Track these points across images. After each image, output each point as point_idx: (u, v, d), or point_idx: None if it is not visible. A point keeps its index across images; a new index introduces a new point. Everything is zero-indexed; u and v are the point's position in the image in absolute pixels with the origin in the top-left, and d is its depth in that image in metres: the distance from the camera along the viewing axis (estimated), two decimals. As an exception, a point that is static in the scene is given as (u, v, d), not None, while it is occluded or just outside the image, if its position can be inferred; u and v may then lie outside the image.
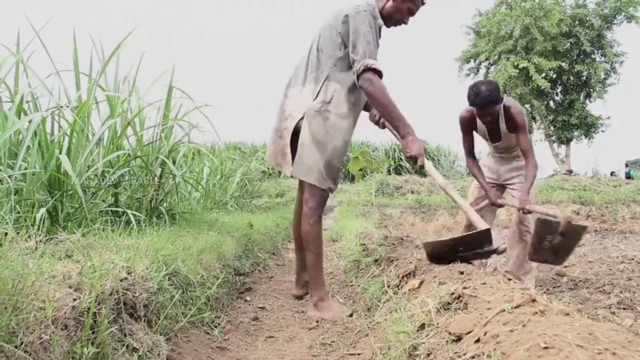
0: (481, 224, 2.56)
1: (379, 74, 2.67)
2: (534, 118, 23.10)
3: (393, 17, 2.93)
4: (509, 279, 1.96)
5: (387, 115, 2.74)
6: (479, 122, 3.70)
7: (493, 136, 3.77)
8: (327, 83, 2.81)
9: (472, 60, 23.54)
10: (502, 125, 3.64)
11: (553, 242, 3.19)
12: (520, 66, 20.55)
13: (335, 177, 2.90)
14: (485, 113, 3.46)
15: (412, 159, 2.73)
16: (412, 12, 2.95)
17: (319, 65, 2.85)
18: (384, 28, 2.96)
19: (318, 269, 2.93)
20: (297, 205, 3.27)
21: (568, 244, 3.25)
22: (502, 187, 4.02)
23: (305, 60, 2.93)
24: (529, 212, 3.51)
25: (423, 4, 2.97)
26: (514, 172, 3.89)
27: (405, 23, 2.98)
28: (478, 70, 23.90)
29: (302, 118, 2.82)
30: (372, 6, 2.82)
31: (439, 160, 19.23)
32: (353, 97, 2.86)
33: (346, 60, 2.79)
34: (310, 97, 2.82)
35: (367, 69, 2.64)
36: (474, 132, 3.87)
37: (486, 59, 22.78)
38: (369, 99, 2.73)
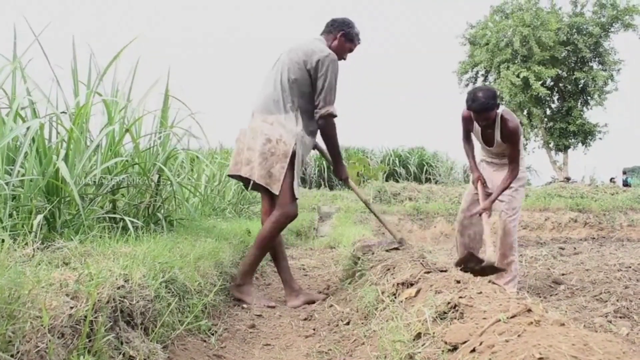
0: (397, 234, 3.64)
1: (334, 115, 3.31)
2: (532, 125, 23.15)
3: (336, 54, 3.37)
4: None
5: (333, 149, 3.50)
6: (476, 124, 3.88)
7: (487, 140, 3.95)
8: (301, 113, 3.33)
9: (470, 70, 23.62)
10: (497, 133, 3.80)
11: (473, 268, 3.54)
12: (521, 75, 20.62)
13: None
14: (481, 118, 3.66)
15: (343, 180, 3.60)
16: (351, 50, 3.53)
17: (292, 96, 3.30)
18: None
19: (254, 265, 3.43)
20: (265, 215, 3.52)
21: (483, 273, 3.47)
22: (485, 187, 4.08)
23: (279, 89, 3.32)
24: (480, 214, 3.87)
25: (359, 43, 3.54)
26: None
27: (344, 59, 3.53)
28: (476, 80, 23.98)
29: (295, 144, 3.25)
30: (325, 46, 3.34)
31: (436, 166, 19.23)
32: (311, 125, 3.40)
33: (312, 96, 3.31)
34: (294, 124, 3.30)
35: (332, 115, 3.29)
36: (471, 133, 4.08)
37: (484, 68, 22.86)
38: (325, 135, 3.42)
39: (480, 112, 3.62)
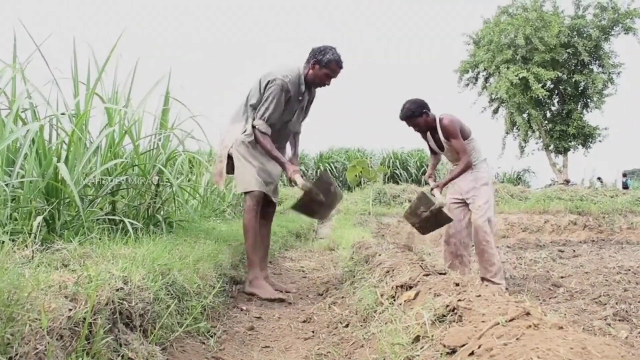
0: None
1: (261, 131, 3.64)
2: (531, 127, 23.15)
3: (315, 82, 3.76)
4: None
5: (268, 155, 3.72)
6: (428, 136, 4.33)
7: (438, 146, 4.32)
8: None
9: (470, 70, 23.60)
10: (441, 136, 4.17)
11: (423, 215, 4.07)
12: (520, 76, 20.62)
13: (267, 181, 3.77)
14: (410, 124, 4.13)
15: (291, 181, 3.71)
16: (329, 76, 3.75)
17: (248, 109, 3.74)
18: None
19: (253, 253, 3.72)
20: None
21: (432, 223, 4.14)
22: (466, 204, 4.37)
23: (244, 103, 3.78)
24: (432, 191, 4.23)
25: (341, 68, 3.74)
26: (471, 184, 4.28)
27: (328, 84, 3.81)
28: (476, 80, 23.97)
29: (231, 146, 3.72)
30: (294, 74, 3.68)
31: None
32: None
33: None
34: (240, 131, 3.74)
35: (254, 127, 3.65)
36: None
37: (485, 69, 22.85)
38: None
39: (406, 120, 4.09)
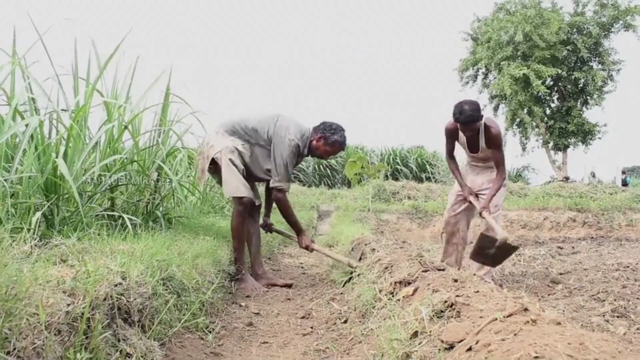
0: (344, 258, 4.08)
1: (284, 191, 3.89)
2: (532, 125, 23.14)
3: (314, 152, 4.02)
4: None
5: (286, 218, 4.08)
6: (461, 134, 4.16)
7: (472, 148, 4.20)
8: (252, 147, 3.91)
9: (471, 68, 23.58)
10: (482, 141, 4.06)
11: (490, 252, 3.92)
12: (521, 73, 20.63)
13: (251, 187, 3.94)
14: (468, 128, 3.94)
15: (306, 248, 4.14)
16: (330, 154, 4.05)
17: (250, 135, 3.91)
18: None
19: (240, 252, 3.91)
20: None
21: (501, 256, 4.00)
22: (476, 196, 4.36)
23: (242, 124, 3.93)
24: (482, 217, 4.09)
25: (342, 150, 4.11)
26: (488, 184, 4.26)
27: (325, 159, 4.45)
28: (476, 78, 23.95)
29: (219, 151, 3.82)
30: (304, 137, 3.93)
31: (435, 165, 19.23)
32: (249, 157, 3.93)
33: (265, 145, 3.91)
34: (229, 140, 3.88)
35: (278, 189, 3.87)
36: (456, 142, 4.33)
37: (485, 67, 22.83)
38: (277, 205, 4.04)
39: (468, 124, 3.86)
